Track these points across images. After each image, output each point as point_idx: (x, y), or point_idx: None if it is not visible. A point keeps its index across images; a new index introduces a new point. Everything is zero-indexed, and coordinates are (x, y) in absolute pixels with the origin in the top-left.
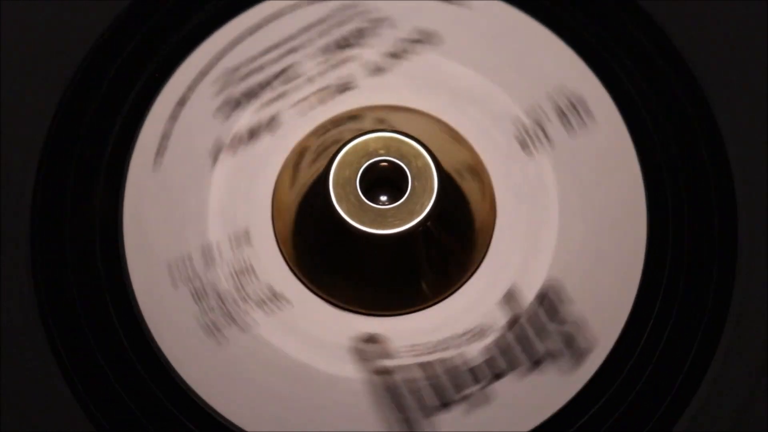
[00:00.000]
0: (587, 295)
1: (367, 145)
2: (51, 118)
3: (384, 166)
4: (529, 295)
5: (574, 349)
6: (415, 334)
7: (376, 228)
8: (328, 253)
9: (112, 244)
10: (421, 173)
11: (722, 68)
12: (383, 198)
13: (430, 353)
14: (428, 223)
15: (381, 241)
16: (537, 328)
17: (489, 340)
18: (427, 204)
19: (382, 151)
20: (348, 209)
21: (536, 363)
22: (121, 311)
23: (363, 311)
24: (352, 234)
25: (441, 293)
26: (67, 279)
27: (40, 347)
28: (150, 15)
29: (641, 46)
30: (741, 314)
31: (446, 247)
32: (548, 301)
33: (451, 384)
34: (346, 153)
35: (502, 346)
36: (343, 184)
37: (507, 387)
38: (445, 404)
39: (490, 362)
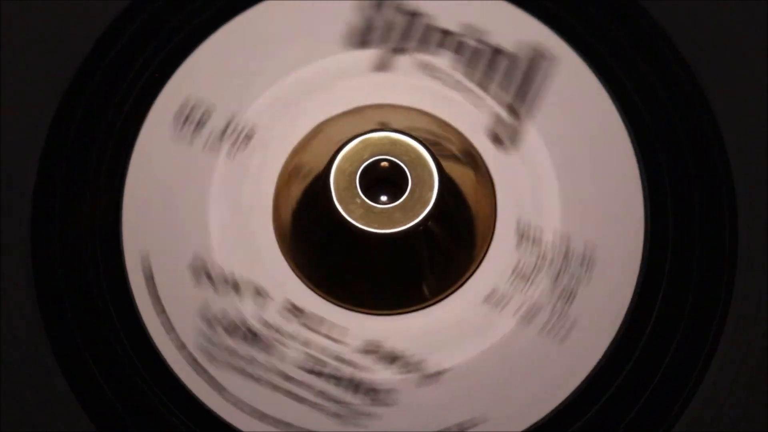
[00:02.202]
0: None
1: (368, 144)
2: (51, 118)
3: (384, 165)
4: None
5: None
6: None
7: (376, 228)
8: (328, 252)
9: (112, 243)
10: (422, 173)
11: (722, 68)
12: (383, 198)
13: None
14: (428, 223)
15: (381, 240)
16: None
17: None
18: (427, 204)
19: (382, 151)
20: (348, 209)
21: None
22: (121, 311)
23: (362, 310)
24: (352, 233)
25: (441, 293)
26: (67, 278)
27: (40, 347)
28: (150, 15)
29: (641, 46)
30: (741, 314)
31: (446, 246)
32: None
33: None
34: (347, 152)
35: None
36: (344, 184)
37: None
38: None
39: None
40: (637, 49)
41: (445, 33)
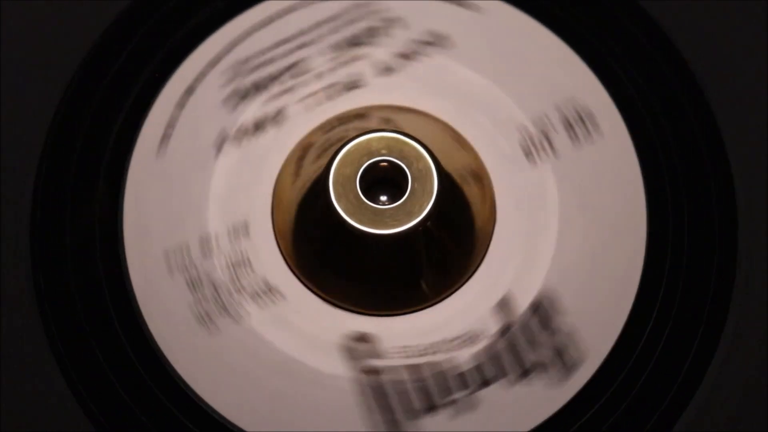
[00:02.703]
0: (582, 306)
1: (368, 144)
2: (51, 118)
3: (384, 166)
4: (523, 303)
5: (564, 361)
6: (409, 335)
7: (376, 228)
8: (326, 251)
9: (112, 240)
10: (421, 174)
11: (722, 68)
12: (383, 198)
13: (419, 356)
14: (427, 224)
15: (380, 240)
16: (528, 338)
17: (479, 346)
18: (427, 205)
19: (383, 151)
20: (348, 208)
21: (525, 373)
22: (121, 311)
23: (360, 310)
24: (352, 233)
25: (438, 294)
26: (67, 277)
27: (40, 347)
28: (150, 15)
29: (641, 46)
30: (741, 314)
31: (445, 248)
32: (542, 310)
33: (438, 388)
34: (347, 152)
35: (491, 353)
36: (343, 184)
37: (494, 395)
38: (432, 408)
39: (478, 369)
40: (637, 49)
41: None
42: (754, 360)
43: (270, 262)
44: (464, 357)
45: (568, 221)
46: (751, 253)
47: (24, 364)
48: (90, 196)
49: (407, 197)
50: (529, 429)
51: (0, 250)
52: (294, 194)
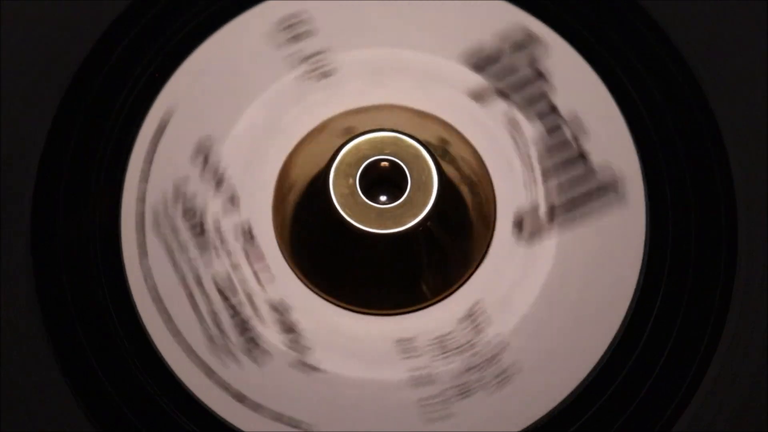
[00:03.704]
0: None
1: (368, 144)
2: (51, 118)
3: (384, 165)
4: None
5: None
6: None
7: (376, 227)
8: (327, 252)
9: (112, 242)
10: (421, 173)
11: (722, 68)
12: (383, 198)
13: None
14: (428, 223)
15: (380, 240)
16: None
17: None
18: (427, 204)
19: (383, 151)
20: (348, 209)
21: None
22: (121, 311)
23: (361, 310)
24: (352, 233)
25: (441, 293)
26: (68, 278)
27: (40, 347)
28: (150, 15)
29: (641, 46)
30: (741, 314)
31: (446, 246)
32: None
33: None
34: (346, 152)
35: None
36: (343, 184)
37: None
38: None
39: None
40: (637, 49)
41: (553, 109)
42: (754, 360)
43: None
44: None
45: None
46: (751, 253)
47: (24, 364)
48: (90, 196)
49: (407, 196)
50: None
51: (0, 250)
52: (293, 196)
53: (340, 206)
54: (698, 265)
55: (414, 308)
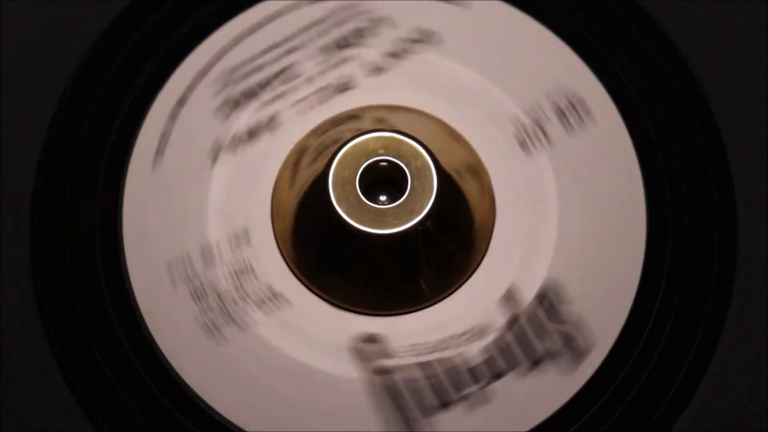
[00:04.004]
0: (587, 295)
1: (367, 144)
2: (51, 118)
3: (383, 165)
4: (528, 294)
5: (573, 349)
6: (415, 333)
7: (376, 228)
8: (327, 252)
9: (112, 243)
10: (421, 173)
11: (722, 68)
12: (383, 198)
13: (429, 353)
14: (428, 223)
15: (380, 240)
16: (536, 328)
17: (488, 340)
18: (427, 204)
19: (381, 151)
20: (347, 209)
21: (535, 363)
22: (121, 311)
23: (362, 311)
24: (352, 234)
25: (441, 293)
26: (67, 279)
27: (40, 347)
28: (150, 15)
29: (641, 46)
30: (741, 313)
31: (446, 246)
32: (547, 301)
33: (450, 384)
34: (346, 153)
35: (501, 346)
36: (343, 184)
37: (506, 387)
38: (445, 404)
39: (489, 362)
40: (637, 49)
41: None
42: (754, 360)
43: (271, 265)
44: (474, 351)
45: (567, 210)
46: (751, 253)
47: (24, 364)
48: (90, 196)
49: (407, 196)
50: (542, 419)
51: (0, 250)
52: (292, 198)
53: (340, 207)
54: (698, 266)
55: (415, 308)
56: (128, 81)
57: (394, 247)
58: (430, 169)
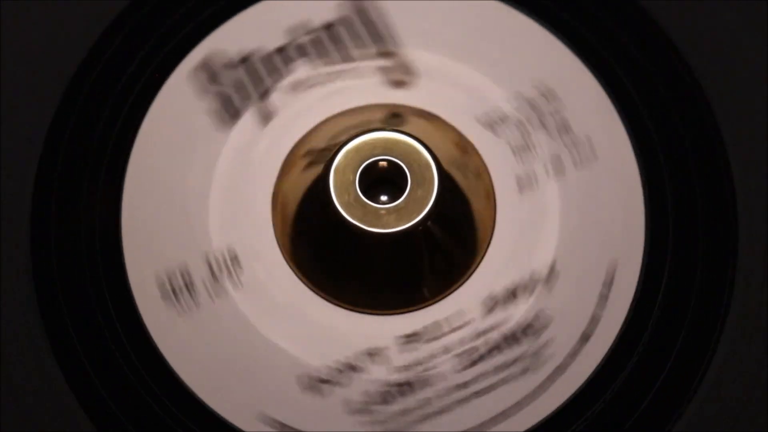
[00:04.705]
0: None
1: (367, 144)
2: (51, 118)
3: (384, 165)
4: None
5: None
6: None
7: (376, 227)
8: (328, 252)
9: (112, 243)
10: (421, 172)
11: (722, 68)
12: (383, 198)
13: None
14: (428, 223)
15: (381, 240)
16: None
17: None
18: (427, 204)
19: (382, 150)
20: (348, 209)
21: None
22: (121, 311)
23: (361, 310)
24: (352, 233)
25: (441, 293)
26: (67, 279)
27: (40, 347)
28: (150, 15)
29: (641, 46)
30: (741, 314)
31: (446, 246)
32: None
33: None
34: (346, 152)
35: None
36: (343, 184)
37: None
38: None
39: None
40: (637, 49)
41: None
42: (754, 360)
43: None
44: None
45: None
46: (752, 253)
47: (24, 364)
48: (90, 196)
49: (407, 196)
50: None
51: (0, 250)
52: (293, 198)
53: (341, 206)
54: (698, 266)
55: (415, 307)
56: (128, 81)
57: (394, 247)
58: (430, 169)
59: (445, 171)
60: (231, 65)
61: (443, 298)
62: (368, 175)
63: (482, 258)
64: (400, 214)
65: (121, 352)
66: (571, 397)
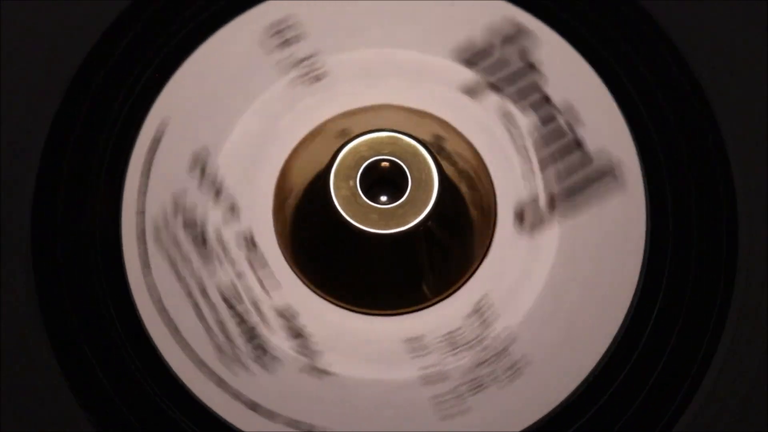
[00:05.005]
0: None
1: (368, 144)
2: (51, 118)
3: (384, 165)
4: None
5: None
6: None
7: (376, 228)
8: (330, 254)
9: (112, 243)
10: (421, 172)
11: (722, 68)
12: (383, 198)
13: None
14: (428, 223)
15: (381, 240)
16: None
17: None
18: (427, 204)
19: (383, 151)
20: (349, 210)
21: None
22: (121, 311)
23: (361, 310)
24: (352, 233)
25: (442, 292)
26: (67, 279)
27: (40, 347)
28: (150, 15)
29: (641, 46)
30: (741, 314)
31: (446, 246)
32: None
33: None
34: (346, 153)
35: None
36: (344, 185)
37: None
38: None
39: None
40: (637, 49)
41: (546, 99)
42: (754, 360)
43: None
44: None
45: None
46: (752, 252)
47: (24, 364)
48: (90, 196)
49: (408, 196)
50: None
51: (0, 250)
52: (294, 199)
53: (341, 207)
54: (698, 266)
55: (419, 307)
56: (128, 82)
57: (395, 247)
58: (430, 168)
59: (445, 171)
60: None
61: (448, 296)
62: (369, 175)
63: (485, 254)
64: (401, 214)
65: (121, 352)
66: (571, 397)
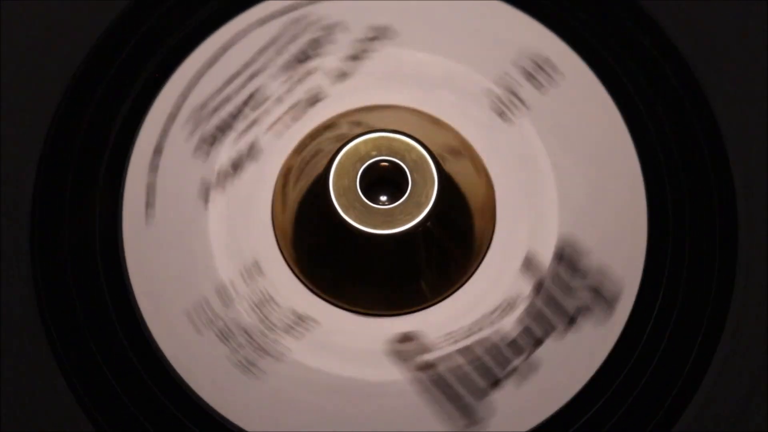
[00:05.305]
0: (601, 242)
1: (367, 145)
2: (51, 119)
3: (384, 166)
4: (546, 257)
5: (603, 297)
6: (447, 322)
7: (376, 228)
8: (327, 253)
9: (112, 243)
10: (421, 173)
11: (722, 68)
12: (383, 198)
13: (466, 337)
14: (428, 223)
15: (381, 240)
16: (562, 287)
17: (519, 311)
18: (427, 204)
19: (382, 151)
20: (348, 209)
21: (571, 321)
22: (121, 311)
23: (361, 311)
24: (352, 234)
25: (446, 291)
26: (67, 279)
27: (40, 347)
28: (150, 15)
29: (641, 46)
30: (741, 314)
31: (446, 246)
32: (566, 257)
33: (494, 362)
34: (346, 154)
35: (533, 313)
36: (343, 184)
37: (549, 351)
38: (495, 383)
39: (526, 332)
40: (637, 49)
41: None
42: (754, 360)
43: (279, 275)
44: (509, 325)
45: (561, 167)
46: (752, 252)
47: (24, 364)
48: (89, 196)
49: (408, 197)
50: (589, 376)
51: (0, 250)
52: (292, 209)
53: (341, 207)
54: (698, 266)
55: (416, 308)
56: (128, 81)
57: (395, 248)
58: (430, 169)
59: (445, 171)
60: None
61: (443, 298)
62: (369, 175)
63: (483, 258)
64: (400, 214)
65: (121, 352)
66: (570, 397)
